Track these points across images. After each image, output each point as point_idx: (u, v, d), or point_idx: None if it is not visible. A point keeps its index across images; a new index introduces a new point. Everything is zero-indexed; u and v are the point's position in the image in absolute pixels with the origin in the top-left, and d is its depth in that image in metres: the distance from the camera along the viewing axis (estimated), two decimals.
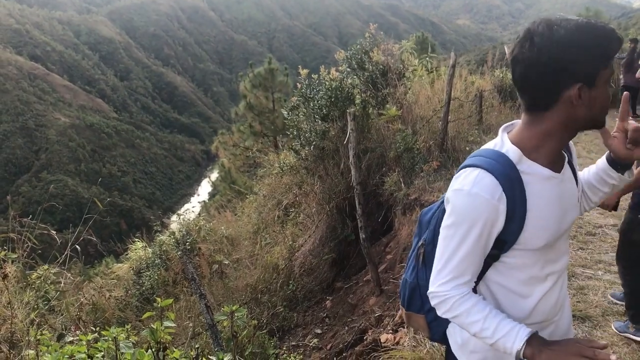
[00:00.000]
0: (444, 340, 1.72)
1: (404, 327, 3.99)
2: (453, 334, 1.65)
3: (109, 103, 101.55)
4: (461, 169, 1.45)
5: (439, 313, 1.50)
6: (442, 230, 1.46)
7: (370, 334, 4.65)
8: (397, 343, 3.84)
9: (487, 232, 1.40)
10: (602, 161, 1.62)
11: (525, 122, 1.43)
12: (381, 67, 7.53)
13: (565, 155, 1.51)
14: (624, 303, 3.53)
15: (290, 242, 6.96)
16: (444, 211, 1.49)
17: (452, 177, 1.51)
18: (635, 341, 3.26)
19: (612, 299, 3.77)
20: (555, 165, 1.47)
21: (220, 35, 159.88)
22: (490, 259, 1.47)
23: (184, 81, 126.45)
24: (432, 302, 1.50)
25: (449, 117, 7.01)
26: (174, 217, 15.14)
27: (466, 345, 1.58)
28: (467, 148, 6.77)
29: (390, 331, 4.18)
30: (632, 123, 1.44)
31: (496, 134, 1.53)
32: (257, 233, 8.01)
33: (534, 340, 1.33)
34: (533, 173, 1.43)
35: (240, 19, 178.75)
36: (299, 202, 7.62)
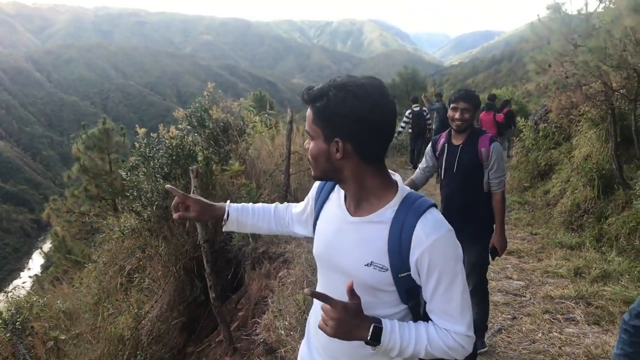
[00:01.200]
0: None
1: None
2: None
3: None
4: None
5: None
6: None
7: None
8: None
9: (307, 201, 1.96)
10: None
11: None
12: (222, 124, 7.59)
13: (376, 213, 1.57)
14: None
15: (135, 310, 6.55)
16: None
17: None
18: None
19: None
20: (352, 205, 1.62)
21: (48, 96, 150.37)
22: None
23: (9, 146, 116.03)
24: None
25: (291, 170, 7.24)
26: (1, 296, 13.61)
27: None
28: None
29: None
30: None
31: None
32: (99, 304, 7.45)
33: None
34: (338, 193, 1.70)
35: (70, 79, 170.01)
36: (143, 267, 7.25)
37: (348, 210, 1.61)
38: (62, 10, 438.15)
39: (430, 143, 4.02)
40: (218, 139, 7.50)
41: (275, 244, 5.99)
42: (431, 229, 1.45)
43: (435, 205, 1.53)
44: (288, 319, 4.26)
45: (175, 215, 1.94)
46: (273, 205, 2.12)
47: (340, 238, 1.61)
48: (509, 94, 20.38)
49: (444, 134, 3.91)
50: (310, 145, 1.54)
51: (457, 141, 3.78)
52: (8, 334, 6.14)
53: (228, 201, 2.09)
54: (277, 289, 5.06)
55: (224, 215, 2.02)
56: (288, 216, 2.08)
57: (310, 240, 1.81)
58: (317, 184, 1.88)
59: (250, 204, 2.11)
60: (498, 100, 15.76)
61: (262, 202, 6.59)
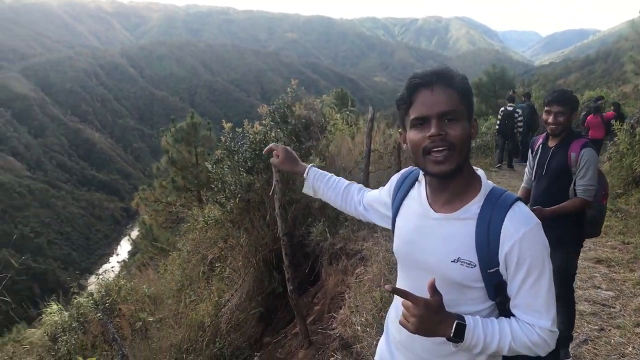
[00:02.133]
0: None
1: None
2: None
3: (21, 161, 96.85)
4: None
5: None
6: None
7: None
8: None
9: (382, 192, 1.99)
10: None
11: None
12: (304, 120, 7.69)
13: (467, 208, 1.54)
14: None
15: (216, 298, 6.78)
16: None
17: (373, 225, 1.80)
18: None
19: None
20: (436, 201, 1.61)
21: (141, 91, 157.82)
22: None
23: (103, 137, 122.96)
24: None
25: (370, 168, 7.23)
26: (92, 279, 14.43)
27: None
28: None
29: None
30: None
31: None
32: (181, 290, 7.76)
33: None
34: (419, 189, 1.70)
35: (161, 75, 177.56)
36: (224, 256, 7.48)
37: (431, 207, 1.60)
38: (155, 8, 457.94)
39: (530, 143, 3.93)
40: (299, 135, 7.60)
41: (352, 240, 6.01)
42: (520, 222, 1.45)
43: (520, 199, 1.51)
44: (364, 315, 4.27)
45: (265, 150, 2.28)
46: (348, 182, 2.19)
47: (423, 235, 1.60)
48: (603, 95, 19.34)
49: (543, 135, 3.79)
50: (454, 129, 1.46)
51: (551, 143, 3.66)
52: (99, 314, 6.53)
53: (312, 164, 2.23)
54: (353, 285, 5.08)
55: (304, 173, 2.21)
56: (358, 197, 2.12)
57: (388, 238, 1.83)
58: (394, 178, 1.88)
59: (330, 174, 2.22)
60: (604, 102, 14.97)
61: None
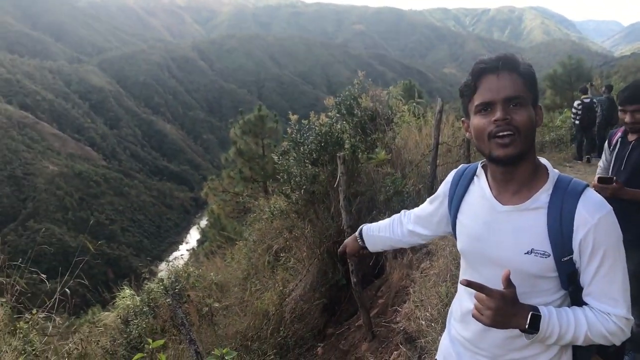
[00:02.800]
0: None
1: None
2: None
3: (98, 151, 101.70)
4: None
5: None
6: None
7: None
8: None
9: (435, 202, 1.94)
10: None
11: None
12: (370, 112, 7.64)
13: (536, 197, 1.51)
14: None
15: (280, 288, 6.87)
16: None
17: None
18: None
19: None
20: (502, 193, 1.58)
21: (210, 84, 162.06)
22: None
23: (174, 129, 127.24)
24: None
25: (438, 161, 7.10)
26: (163, 265, 14.95)
27: None
28: None
29: None
30: None
31: None
32: (247, 279, 7.91)
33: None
34: (479, 184, 1.66)
35: (230, 68, 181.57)
36: (289, 247, 7.57)
37: (497, 200, 1.57)
38: (225, 2, 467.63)
39: (608, 137, 3.73)
40: (365, 127, 7.57)
41: None
42: (594, 208, 1.42)
43: (589, 185, 1.49)
44: (430, 310, 4.21)
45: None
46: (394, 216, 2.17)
47: (492, 229, 1.57)
48: None
49: (622, 128, 3.60)
50: (520, 115, 1.44)
51: (631, 137, 3.47)
52: (168, 299, 6.73)
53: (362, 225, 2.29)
54: (418, 280, 5.02)
55: (361, 242, 2.27)
56: (407, 219, 2.08)
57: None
58: (449, 178, 1.84)
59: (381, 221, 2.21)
60: None
61: (407, 192, 6.57)
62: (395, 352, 4.16)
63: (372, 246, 2.24)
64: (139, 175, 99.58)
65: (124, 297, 8.19)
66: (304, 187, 6.61)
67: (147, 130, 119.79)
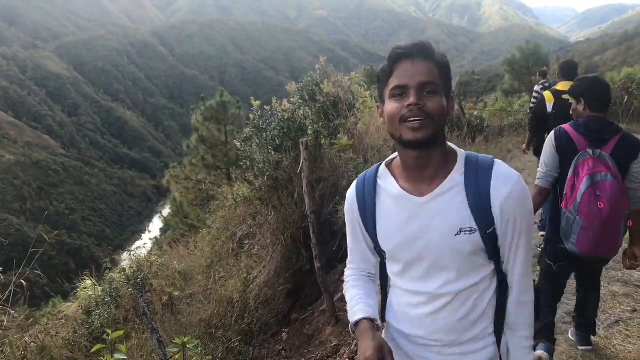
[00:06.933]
0: None
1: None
2: None
3: (56, 139, 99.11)
4: None
5: None
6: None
7: None
8: None
9: (354, 228, 1.78)
10: None
11: None
12: (332, 98, 7.66)
13: (446, 181, 1.54)
14: None
15: (244, 275, 6.85)
16: None
17: None
18: None
19: None
20: (418, 183, 1.58)
21: (171, 70, 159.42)
22: None
23: (134, 116, 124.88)
24: None
25: None
26: (125, 255, 14.73)
27: None
28: None
29: None
30: None
31: None
32: (211, 267, 7.87)
33: (361, 324, 1.57)
34: (385, 186, 1.65)
35: (191, 54, 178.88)
36: (253, 234, 7.55)
37: (412, 193, 1.56)
38: None
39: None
40: (328, 113, 7.58)
41: None
42: (506, 178, 1.52)
43: (495, 159, 1.57)
44: None
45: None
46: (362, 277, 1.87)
47: (416, 224, 1.56)
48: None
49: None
50: (432, 102, 1.45)
51: None
52: (130, 289, 6.66)
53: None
54: None
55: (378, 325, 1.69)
56: (358, 270, 1.85)
57: None
58: (351, 195, 1.74)
59: (361, 294, 1.77)
60: None
61: None
62: None
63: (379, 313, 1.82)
64: (99, 163, 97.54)
65: (85, 288, 8.07)
66: (267, 173, 6.59)
67: (106, 118, 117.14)
